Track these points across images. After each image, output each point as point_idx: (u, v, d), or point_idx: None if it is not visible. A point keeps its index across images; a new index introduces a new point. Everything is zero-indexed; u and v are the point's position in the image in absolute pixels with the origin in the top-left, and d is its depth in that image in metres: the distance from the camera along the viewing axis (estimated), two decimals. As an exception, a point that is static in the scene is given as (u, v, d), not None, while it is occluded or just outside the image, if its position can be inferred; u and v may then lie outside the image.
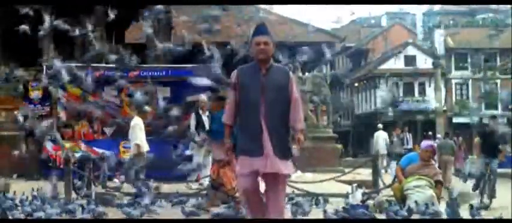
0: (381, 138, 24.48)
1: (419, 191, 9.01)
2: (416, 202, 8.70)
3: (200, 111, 13.14)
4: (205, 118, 12.89)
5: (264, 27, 6.07)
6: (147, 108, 12.43)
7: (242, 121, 5.94)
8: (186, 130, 13.65)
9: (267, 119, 5.78)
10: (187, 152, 13.77)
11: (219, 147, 9.33)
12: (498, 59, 51.72)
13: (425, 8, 63.54)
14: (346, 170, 17.34)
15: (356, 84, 60.92)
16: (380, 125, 26.51)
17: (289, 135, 5.91)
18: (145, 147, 13.51)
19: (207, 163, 12.33)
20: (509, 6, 44.82)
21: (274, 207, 5.87)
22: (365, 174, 18.02)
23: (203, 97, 13.21)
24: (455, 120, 51.55)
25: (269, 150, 5.74)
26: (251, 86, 5.88)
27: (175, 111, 10.05)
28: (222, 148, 9.24)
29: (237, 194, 9.22)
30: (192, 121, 13.19)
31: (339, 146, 22.53)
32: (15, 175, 15.33)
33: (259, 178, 5.93)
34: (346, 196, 10.59)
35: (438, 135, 28.90)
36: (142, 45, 18.85)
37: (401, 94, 54.64)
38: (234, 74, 6.00)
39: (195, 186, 13.04)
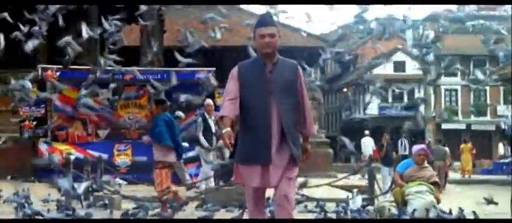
0: (367, 144, 24.72)
1: (420, 197, 9.06)
2: (414, 210, 8.76)
3: (206, 115, 13.21)
4: (211, 122, 12.98)
5: (268, 17, 5.35)
6: (180, 113, 12.35)
7: (246, 126, 5.17)
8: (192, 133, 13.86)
9: (277, 122, 5.10)
10: (191, 154, 14.00)
11: (160, 149, 9.34)
12: (487, 65, 51.86)
13: (414, 14, 63.73)
14: (339, 175, 17.45)
15: (344, 89, 60.95)
16: (367, 131, 26.71)
17: (299, 137, 5.27)
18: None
19: (214, 167, 12.49)
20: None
21: (282, 211, 5.15)
22: (355, 178, 18.19)
23: (209, 101, 13.33)
24: (444, 126, 51.75)
25: (279, 158, 5.08)
26: (256, 84, 5.16)
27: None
28: (163, 151, 9.30)
29: (164, 197, 9.18)
30: (199, 126, 13.23)
31: (331, 151, 22.60)
32: (9, 177, 15.31)
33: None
34: (346, 201, 10.63)
35: (428, 141, 29.07)
36: (137, 48, 18.94)
37: (390, 100, 54.74)
38: (234, 70, 5.28)
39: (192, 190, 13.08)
